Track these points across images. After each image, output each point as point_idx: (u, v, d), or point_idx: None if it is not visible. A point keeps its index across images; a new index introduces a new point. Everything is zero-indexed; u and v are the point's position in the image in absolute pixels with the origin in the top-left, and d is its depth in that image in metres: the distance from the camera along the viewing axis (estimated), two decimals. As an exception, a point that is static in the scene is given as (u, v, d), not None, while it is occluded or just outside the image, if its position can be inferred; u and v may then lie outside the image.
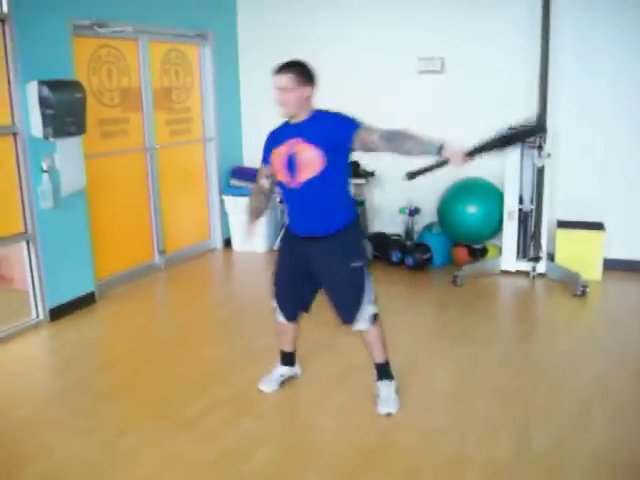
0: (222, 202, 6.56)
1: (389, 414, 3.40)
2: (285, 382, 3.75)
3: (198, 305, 5.22)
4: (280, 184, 3.36)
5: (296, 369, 3.82)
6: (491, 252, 5.85)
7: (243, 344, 4.37)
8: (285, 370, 3.76)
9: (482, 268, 5.69)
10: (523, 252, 5.58)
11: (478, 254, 5.90)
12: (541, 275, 5.55)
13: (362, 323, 3.36)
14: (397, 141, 3.05)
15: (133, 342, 4.52)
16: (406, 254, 5.82)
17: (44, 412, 3.55)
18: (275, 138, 3.32)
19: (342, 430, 3.30)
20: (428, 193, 6.01)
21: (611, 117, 5.56)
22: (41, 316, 4.74)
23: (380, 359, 3.50)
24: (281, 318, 3.60)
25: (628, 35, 5.42)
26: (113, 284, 5.46)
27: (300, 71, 3.17)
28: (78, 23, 4.80)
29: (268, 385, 3.69)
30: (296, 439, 3.25)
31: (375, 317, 3.38)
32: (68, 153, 4.63)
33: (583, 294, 5.08)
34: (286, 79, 3.14)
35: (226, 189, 6.54)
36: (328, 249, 3.30)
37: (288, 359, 3.76)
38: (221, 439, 3.22)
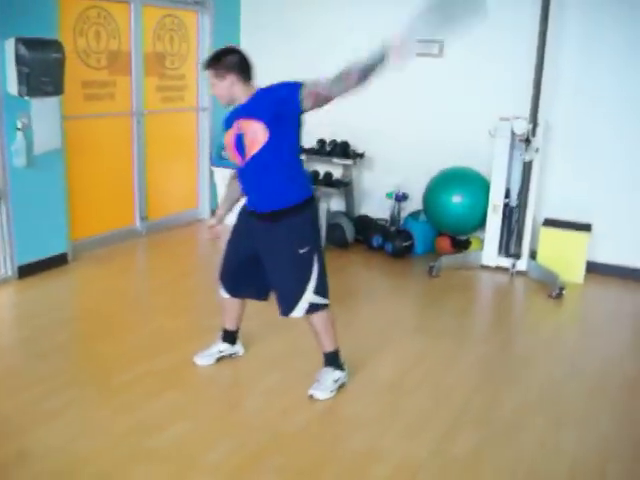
0: (212, 173, 6.53)
1: (311, 396, 3.35)
2: (224, 359, 3.72)
3: (169, 273, 5.23)
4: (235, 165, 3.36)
5: (237, 348, 3.78)
6: (474, 245, 5.71)
7: (197, 317, 4.36)
8: (224, 347, 3.72)
9: (462, 261, 5.56)
10: (505, 248, 5.43)
11: (461, 245, 5.77)
12: (522, 273, 5.40)
13: (298, 312, 3.28)
14: (346, 76, 3.00)
15: (93, 305, 4.56)
16: (386, 240, 5.72)
17: (-18, 366, 3.60)
18: (225, 122, 3.30)
19: (264, 411, 3.26)
20: (419, 179, 5.88)
21: (610, 116, 5.33)
22: (9, 272, 4.78)
23: (326, 348, 3.44)
24: (222, 292, 3.58)
25: (634, 28, 5.17)
26: (89, 246, 5.47)
27: (217, 64, 3.16)
28: (64, -18, 4.79)
29: (203, 359, 3.67)
30: (215, 417, 3.22)
31: (315, 307, 3.29)
32: (43, 112, 4.63)
33: (559, 296, 4.92)
34: (209, 75, 3.20)
35: (217, 160, 6.49)
36: (273, 231, 3.24)
37: (229, 337, 3.73)
38: (140, 410, 3.21)
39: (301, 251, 3.21)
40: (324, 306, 3.32)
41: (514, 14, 5.49)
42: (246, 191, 3.33)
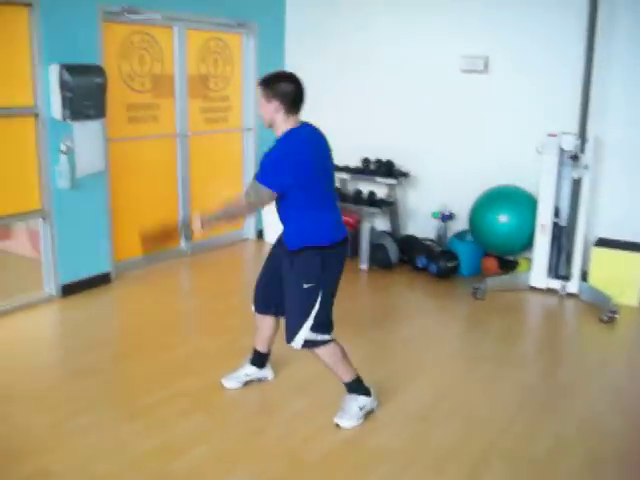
0: (257, 193, 6.52)
1: (338, 425, 3.27)
2: (253, 382, 3.68)
3: (210, 293, 5.24)
4: None
5: (265, 372, 3.73)
6: (523, 266, 5.49)
7: (234, 337, 4.32)
8: (252, 370, 3.69)
9: (509, 282, 5.35)
10: (555, 269, 5.20)
11: (508, 266, 5.56)
12: (573, 296, 5.15)
13: (296, 344, 3.23)
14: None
15: (133, 324, 4.63)
16: (431, 261, 5.57)
17: (19, 383, 3.67)
18: None
19: (286, 438, 3.19)
20: (465, 198, 5.72)
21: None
22: (53, 291, 4.90)
23: (342, 379, 3.37)
24: (253, 307, 3.58)
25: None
26: (133, 266, 5.56)
27: (268, 86, 3.11)
28: (108, 9, 4.90)
29: (230, 382, 3.65)
30: (237, 441, 3.16)
31: (313, 343, 3.22)
32: (85, 136, 4.73)
33: (611, 320, 4.67)
34: (259, 91, 3.16)
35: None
36: (290, 263, 3.23)
37: (258, 359, 3.69)
38: (164, 432, 3.21)
39: (306, 286, 3.16)
40: (324, 342, 3.24)
41: (560, 28, 5.29)
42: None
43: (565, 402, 3.59)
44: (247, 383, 3.66)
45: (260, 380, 3.71)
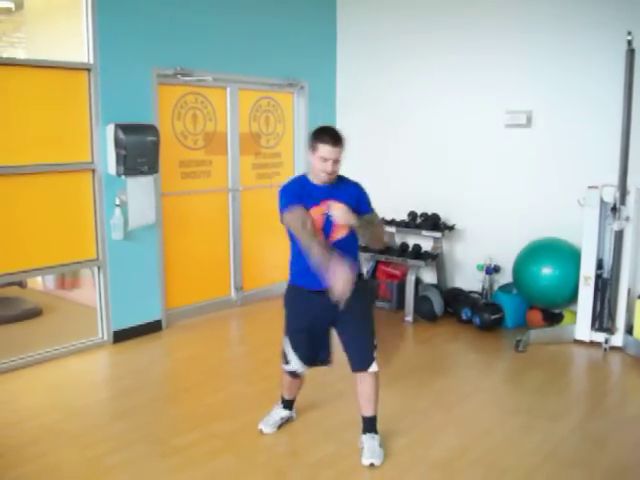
0: (308, 245, 6.70)
1: (372, 464, 3.35)
2: (283, 425, 3.80)
3: (256, 341, 5.39)
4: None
5: (292, 412, 3.89)
6: (568, 318, 5.41)
7: (270, 385, 4.37)
8: (285, 413, 3.83)
9: (552, 335, 5.27)
10: (599, 322, 5.10)
11: (553, 319, 5.49)
12: (618, 349, 5.04)
13: (374, 365, 3.40)
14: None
15: (178, 369, 4.83)
16: (475, 313, 5.57)
17: (62, 422, 3.88)
18: (308, 195, 3.28)
19: (309, 480, 3.27)
20: (511, 251, 5.72)
21: None
22: (105, 337, 5.17)
23: (372, 412, 3.48)
24: (301, 369, 3.60)
25: None
26: (185, 314, 5.79)
27: (343, 142, 3.24)
28: (162, 72, 5.28)
29: (268, 426, 3.76)
30: (261, 483, 3.27)
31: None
32: (138, 190, 5.05)
33: (655, 375, 4.55)
34: (339, 152, 3.22)
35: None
36: (352, 293, 3.20)
37: (289, 404, 3.85)
38: (193, 470, 3.34)
39: (370, 306, 3.58)
40: None
41: (601, 82, 5.32)
42: (313, 269, 3.24)
43: (594, 454, 3.51)
44: (280, 426, 3.80)
45: (287, 420, 3.85)
